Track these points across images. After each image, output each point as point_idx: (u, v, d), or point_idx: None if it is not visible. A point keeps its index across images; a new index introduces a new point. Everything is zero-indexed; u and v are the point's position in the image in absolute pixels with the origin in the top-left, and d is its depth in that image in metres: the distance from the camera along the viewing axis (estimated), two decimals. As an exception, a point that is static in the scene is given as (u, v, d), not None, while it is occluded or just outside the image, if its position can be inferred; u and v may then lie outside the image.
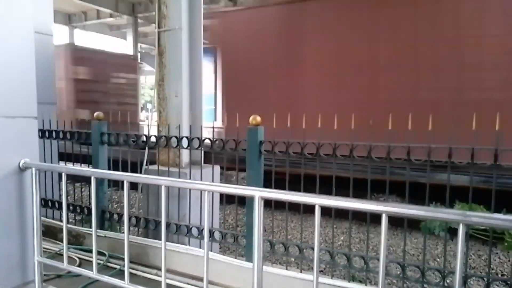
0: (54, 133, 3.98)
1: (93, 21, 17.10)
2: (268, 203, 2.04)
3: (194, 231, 3.33)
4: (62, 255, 2.23)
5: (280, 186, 2.24)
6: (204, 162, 3.77)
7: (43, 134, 3.97)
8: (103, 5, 14.92)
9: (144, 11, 15.89)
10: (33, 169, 2.22)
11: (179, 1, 4.02)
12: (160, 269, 1.93)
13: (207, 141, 3.30)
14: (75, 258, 2.93)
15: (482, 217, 1.32)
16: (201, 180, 3.50)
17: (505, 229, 2.94)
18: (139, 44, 18.03)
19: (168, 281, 2.22)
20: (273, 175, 3.03)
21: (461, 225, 1.30)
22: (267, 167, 3.11)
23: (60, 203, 3.93)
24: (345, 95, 6.61)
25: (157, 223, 3.46)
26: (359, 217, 5.57)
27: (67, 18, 17.54)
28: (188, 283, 2.55)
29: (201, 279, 2.37)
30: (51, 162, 4.02)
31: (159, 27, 4.17)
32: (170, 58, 4.12)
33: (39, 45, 4.01)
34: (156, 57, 4.21)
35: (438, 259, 4.67)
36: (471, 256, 4.68)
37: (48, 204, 4.06)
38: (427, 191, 2.64)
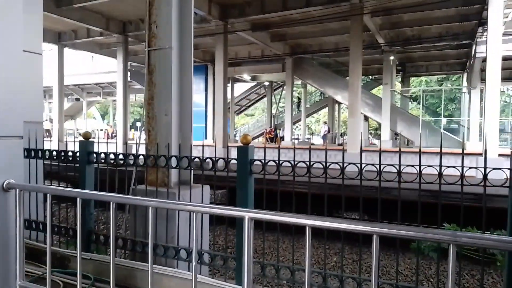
0: (40, 152, 3.91)
1: (83, 40, 17.15)
2: (259, 224, 2.00)
3: (183, 253, 3.25)
4: (45, 279, 2.15)
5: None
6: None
7: (29, 153, 3.89)
8: (94, 24, 15.01)
9: (134, 30, 16.01)
10: (17, 190, 2.16)
11: (170, 20, 4.04)
12: (147, 294, 1.87)
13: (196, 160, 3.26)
14: (59, 282, 2.83)
15: (472, 238, 1.31)
16: (190, 200, 3.44)
17: (495, 249, 2.94)
18: (129, 63, 18.11)
19: (155, 305, 2.15)
20: (264, 194, 3.00)
21: (451, 245, 1.29)
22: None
23: (45, 225, 3.82)
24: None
25: (145, 245, 3.37)
26: (352, 237, 5.52)
27: (57, 37, 17.56)
28: (176, 308, 2.47)
29: (189, 303, 2.30)
30: (36, 182, 3.92)
31: (149, 46, 4.17)
32: (160, 77, 4.12)
33: (28, 63, 3.99)
34: (146, 76, 4.20)
35: (431, 280, 4.63)
36: (464, 276, 4.65)
37: (32, 225, 3.93)
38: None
